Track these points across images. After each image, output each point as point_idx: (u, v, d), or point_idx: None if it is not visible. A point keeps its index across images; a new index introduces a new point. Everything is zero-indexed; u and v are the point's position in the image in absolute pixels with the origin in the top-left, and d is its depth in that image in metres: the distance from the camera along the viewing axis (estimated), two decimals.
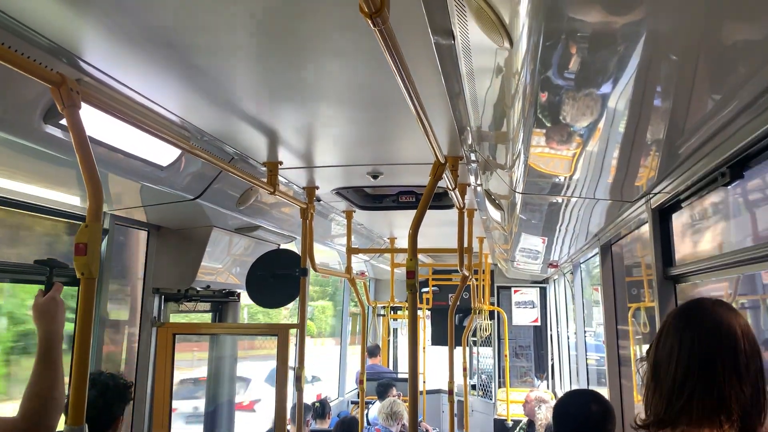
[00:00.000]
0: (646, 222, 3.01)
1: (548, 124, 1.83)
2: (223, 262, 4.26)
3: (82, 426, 1.48)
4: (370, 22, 1.22)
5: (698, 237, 2.85)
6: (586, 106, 1.69)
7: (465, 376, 6.54)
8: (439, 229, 5.39)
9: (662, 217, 2.82)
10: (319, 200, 4.23)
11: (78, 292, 3.02)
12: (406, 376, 8.83)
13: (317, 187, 3.89)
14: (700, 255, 2.77)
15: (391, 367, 10.30)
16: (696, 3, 1.13)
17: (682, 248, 2.82)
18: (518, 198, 3.04)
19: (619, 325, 4.27)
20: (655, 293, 2.84)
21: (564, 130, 1.90)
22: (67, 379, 2.05)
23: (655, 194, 2.69)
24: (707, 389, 1.48)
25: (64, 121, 2.02)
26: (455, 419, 6.09)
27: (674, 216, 2.78)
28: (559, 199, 3.09)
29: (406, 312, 9.74)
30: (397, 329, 10.98)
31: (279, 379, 3.44)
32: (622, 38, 1.26)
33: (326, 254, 6.84)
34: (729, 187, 2.05)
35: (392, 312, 9.68)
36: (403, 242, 6.86)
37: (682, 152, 2.06)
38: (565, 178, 2.58)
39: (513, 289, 9.46)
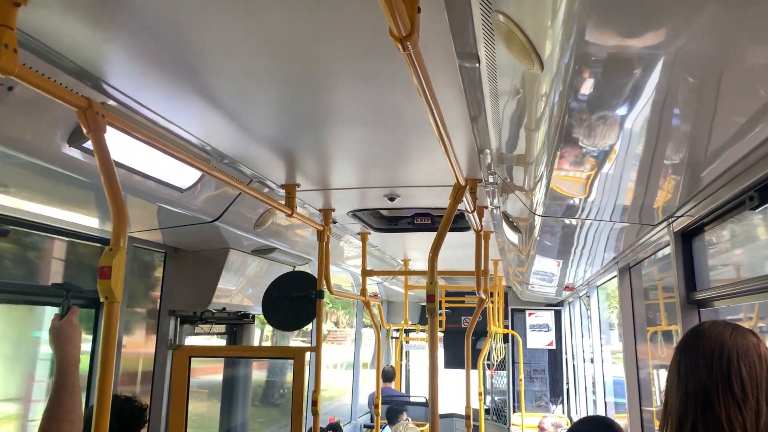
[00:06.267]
0: (667, 245, 2.97)
1: (574, 147, 1.81)
2: (239, 284, 4.25)
3: None
4: (400, 46, 1.22)
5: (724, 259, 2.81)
6: (613, 130, 1.68)
7: (481, 401, 6.44)
8: (452, 252, 5.36)
9: (685, 241, 2.78)
10: (334, 222, 4.22)
11: (98, 316, 3.03)
12: (419, 399, 8.75)
13: (333, 209, 3.88)
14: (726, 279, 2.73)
15: (403, 391, 10.19)
16: (721, 26, 1.12)
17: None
18: (537, 220, 3.01)
19: (638, 350, 4.21)
20: (678, 318, 2.79)
21: (590, 154, 1.88)
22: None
23: (678, 217, 2.66)
24: (708, 419, 1.45)
25: (87, 144, 2.03)
26: None
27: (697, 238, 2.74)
28: (579, 222, 3.06)
29: (421, 334, 9.69)
30: (409, 352, 10.88)
31: (295, 402, 3.40)
32: (654, 61, 1.25)
33: (337, 275, 6.81)
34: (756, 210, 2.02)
35: (406, 334, 9.60)
36: (417, 264, 6.83)
37: (705, 175, 2.04)
38: (587, 200, 2.56)
39: (527, 312, 9.36)
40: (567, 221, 3.04)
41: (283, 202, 3.19)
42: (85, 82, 1.83)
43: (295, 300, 3.86)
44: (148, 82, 1.94)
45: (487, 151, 2.61)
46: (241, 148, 2.65)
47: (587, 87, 1.38)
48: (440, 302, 8.68)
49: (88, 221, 2.96)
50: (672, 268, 2.83)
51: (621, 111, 1.55)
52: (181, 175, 2.66)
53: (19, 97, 1.71)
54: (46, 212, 2.73)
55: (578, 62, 1.24)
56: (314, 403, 3.43)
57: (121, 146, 2.18)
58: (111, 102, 1.97)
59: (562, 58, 1.25)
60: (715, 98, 1.45)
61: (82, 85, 1.84)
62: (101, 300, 1.50)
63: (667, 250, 3.28)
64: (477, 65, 1.69)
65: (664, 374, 3.80)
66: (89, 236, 3.13)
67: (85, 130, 1.61)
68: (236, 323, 4.47)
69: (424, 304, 9.53)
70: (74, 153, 2.05)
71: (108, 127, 1.73)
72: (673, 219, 2.70)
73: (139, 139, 1.91)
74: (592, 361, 6.84)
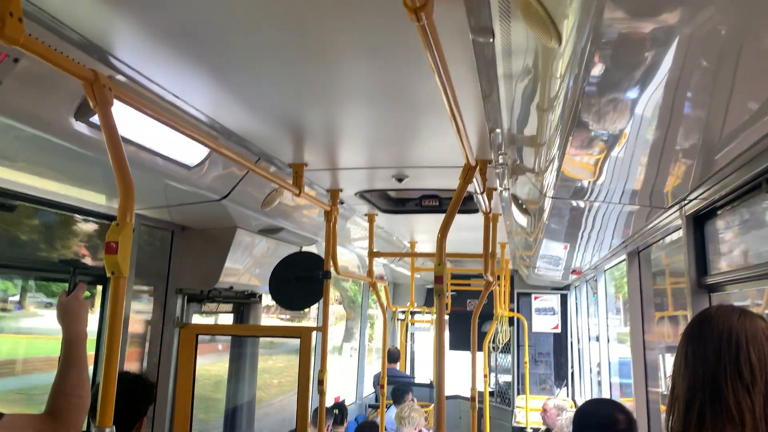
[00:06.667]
0: (678, 229, 2.94)
1: (589, 129, 1.77)
2: (245, 264, 4.25)
3: (111, 427, 1.45)
4: (414, 16, 1.18)
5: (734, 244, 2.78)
6: (628, 112, 1.64)
7: (486, 383, 6.45)
8: (459, 234, 5.32)
9: (696, 224, 2.75)
10: (342, 203, 4.20)
11: (105, 291, 3.02)
12: (424, 381, 8.79)
13: (341, 190, 3.86)
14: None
15: (408, 372, 10.23)
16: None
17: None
18: (548, 203, 2.98)
19: (646, 334, 4.19)
20: (688, 302, 2.77)
21: (603, 136, 1.84)
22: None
23: (690, 201, 2.62)
24: (716, 403, 1.44)
25: (94, 119, 2.01)
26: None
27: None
28: (589, 204, 3.02)
29: (426, 317, 9.71)
30: (414, 333, 10.92)
31: (301, 381, 3.41)
32: (672, 41, 1.22)
33: (344, 257, 6.80)
34: None
35: (411, 316, 9.62)
36: (423, 246, 6.81)
37: (719, 158, 2.00)
38: (598, 183, 2.52)
39: (533, 296, 9.36)
40: (577, 204, 3.01)
41: (290, 182, 3.17)
42: (92, 55, 1.80)
43: (302, 280, 3.85)
44: (156, 55, 1.91)
45: (498, 131, 2.57)
46: (249, 126, 2.62)
47: (603, 67, 1.35)
48: (446, 284, 8.65)
49: (96, 197, 2.95)
50: (683, 252, 2.80)
51: (636, 92, 1.52)
52: (189, 152, 2.64)
53: (25, 69, 1.69)
54: (53, 188, 2.72)
55: (596, 41, 1.21)
56: (320, 383, 3.44)
57: (129, 121, 2.16)
58: (118, 76, 1.94)
59: (579, 36, 1.22)
60: (731, 79, 1.41)
61: (89, 59, 1.81)
62: (108, 275, 1.49)
63: (676, 235, 3.25)
64: (491, 40, 1.65)
65: (671, 358, 3.78)
66: (97, 213, 3.12)
67: (91, 104, 1.59)
68: (243, 302, 4.48)
69: (430, 286, 9.61)
70: (81, 127, 2.03)
71: (116, 102, 1.71)
72: (686, 202, 2.66)
73: (146, 114, 1.88)
74: (597, 339, 6.83)
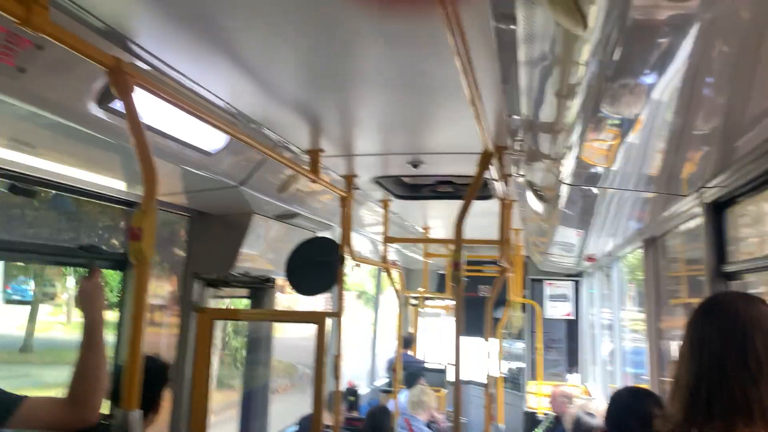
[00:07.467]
0: (697, 216, 2.92)
1: (610, 116, 1.76)
2: (261, 249, 4.26)
3: (136, 410, 1.47)
4: (440, 2, 1.18)
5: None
6: (651, 98, 1.63)
7: (498, 368, 6.47)
8: (471, 220, 5.30)
9: (716, 212, 2.72)
10: (357, 188, 4.20)
11: (126, 276, 3.05)
12: (436, 366, 8.81)
13: (356, 176, 3.86)
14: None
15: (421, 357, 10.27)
16: None
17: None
18: (564, 190, 2.97)
19: (662, 323, 4.17)
20: (706, 291, 2.75)
21: (624, 122, 1.83)
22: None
23: (710, 188, 2.60)
24: (722, 391, 1.42)
25: (114, 105, 2.02)
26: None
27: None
28: (607, 192, 3.01)
29: (439, 302, 9.72)
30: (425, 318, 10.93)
31: (317, 366, 3.43)
32: (701, 25, 1.21)
33: (356, 242, 6.81)
34: None
35: (424, 302, 9.62)
36: (437, 232, 6.81)
37: (741, 144, 1.98)
38: (617, 170, 2.51)
39: (545, 282, 9.33)
40: (595, 191, 2.99)
41: (307, 168, 3.17)
42: (112, 41, 1.81)
43: (318, 265, 3.87)
44: (175, 41, 1.91)
45: (516, 116, 2.56)
46: (267, 112, 2.62)
47: (628, 53, 1.34)
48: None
49: (115, 183, 2.97)
50: (701, 240, 2.78)
51: (658, 78, 1.51)
52: (208, 138, 2.65)
53: (48, 57, 1.69)
54: (72, 173, 2.73)
55: (622, 27, 1.20)
56: (336, 367, 3.47)
57: (149, 108, 2.16)
58: (139, 63, 1.95)
59: (606, 22, 1.21)
60: (753, 64, 1.40)
61: (110, 45, 1.82)
62: (132, 261, 1.50)
63: (695, 222, 3.22)
64: (513, 27, 1.64)
65: None
66: (116, 199, 3.14)
67: (114, 91, 1.59)
68: (258, 287, 4.51)
69: (441, 272, 9.52)
70: (103, 114, 2.04)
71: (136, 88, 1.71)
72: (705, 190, 2.64)
73: (166, 101, 1.89)
74: (610, 328, 6.81)
